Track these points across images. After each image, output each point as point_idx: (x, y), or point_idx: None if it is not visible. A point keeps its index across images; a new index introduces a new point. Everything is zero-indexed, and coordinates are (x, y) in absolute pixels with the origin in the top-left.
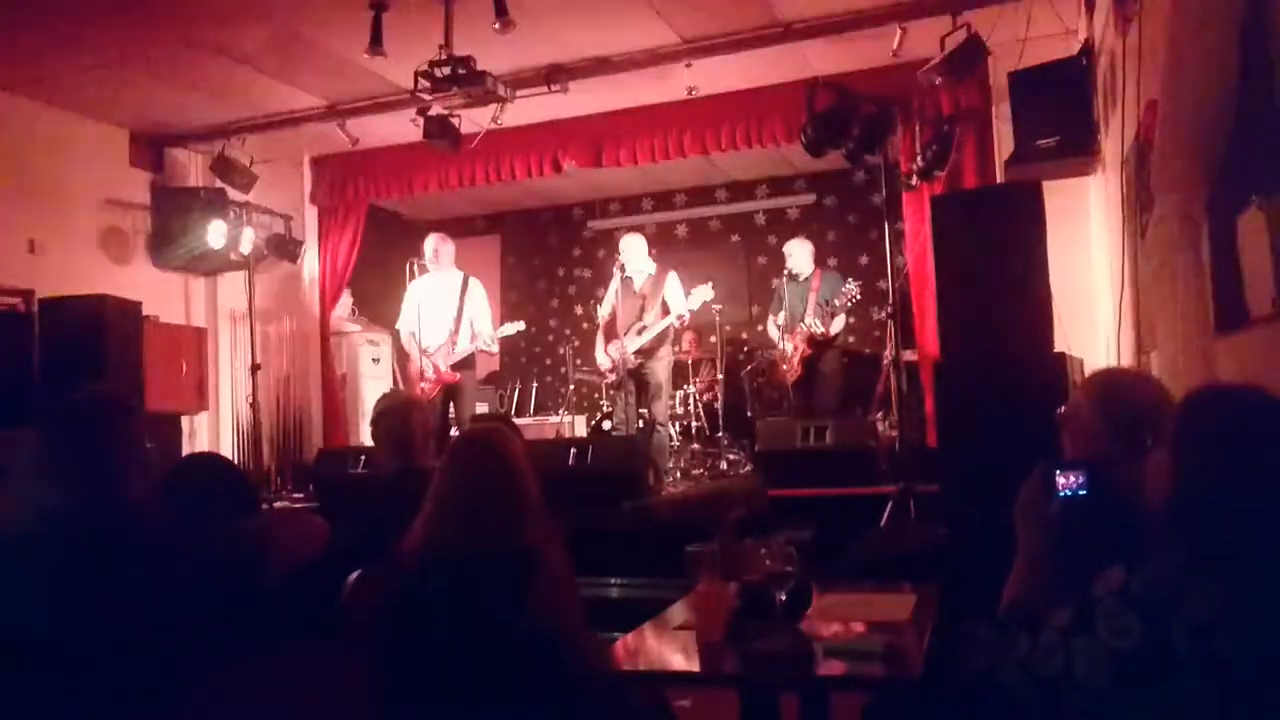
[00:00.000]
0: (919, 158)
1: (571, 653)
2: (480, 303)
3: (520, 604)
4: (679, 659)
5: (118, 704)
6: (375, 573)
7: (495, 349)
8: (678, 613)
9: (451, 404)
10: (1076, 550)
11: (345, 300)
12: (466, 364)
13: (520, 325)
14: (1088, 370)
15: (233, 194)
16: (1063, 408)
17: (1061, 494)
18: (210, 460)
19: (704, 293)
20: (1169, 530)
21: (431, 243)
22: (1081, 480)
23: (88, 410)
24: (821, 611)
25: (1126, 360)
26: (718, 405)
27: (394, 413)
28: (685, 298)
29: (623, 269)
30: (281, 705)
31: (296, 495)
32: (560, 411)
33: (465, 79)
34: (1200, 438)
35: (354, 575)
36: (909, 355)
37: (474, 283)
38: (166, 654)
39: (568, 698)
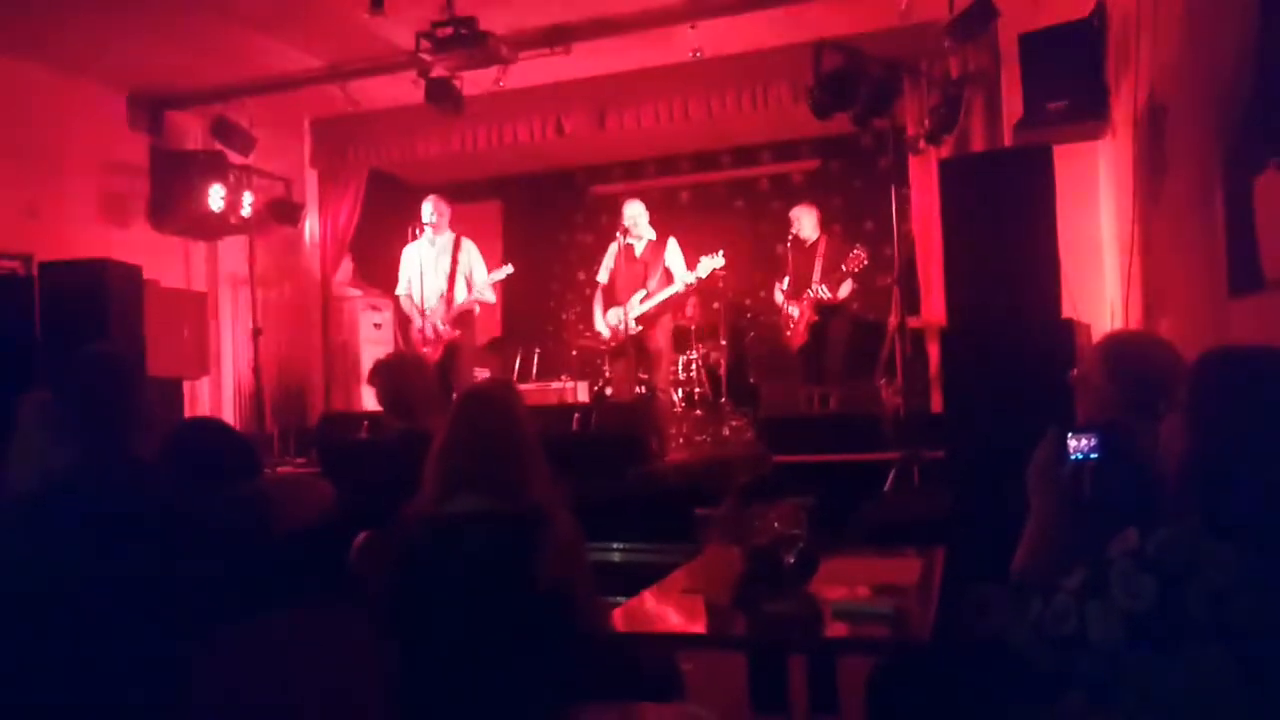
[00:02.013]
0: (926, 121)
1: (580, 615)
2: (474, 257)
3: (529, 565)
4: (687, 622)
5: (125, 663)
6: (383, 535)
7: (492, 297)
8: (682, 577)
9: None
10: (1089, 514)
11: (346, 265)
12: (465, 321)
13: (509, 269)
14: (1095, 336)
15: (232, 157)
16: (1074, 371)
17: (1074, 457)
18: (211, 424)
19: (714, 262)
20: (1184, 494)
21: (430, 204)
22: (1094, 444)
23: (100, 366)
24: (828, 575)
25: (1135, 325)
26: (721, 371)
27: (390, 370)
28: (685, 263)
29: (625, 233)
30: (288, 665)
31: (299, 460)
32: (563, 377)
33: (467, 40)
34: (1215, 400)
35: (361, 537)
36: (914, 321)
37: (466, 241)
38: (173, 614)
39: (576, 660)
